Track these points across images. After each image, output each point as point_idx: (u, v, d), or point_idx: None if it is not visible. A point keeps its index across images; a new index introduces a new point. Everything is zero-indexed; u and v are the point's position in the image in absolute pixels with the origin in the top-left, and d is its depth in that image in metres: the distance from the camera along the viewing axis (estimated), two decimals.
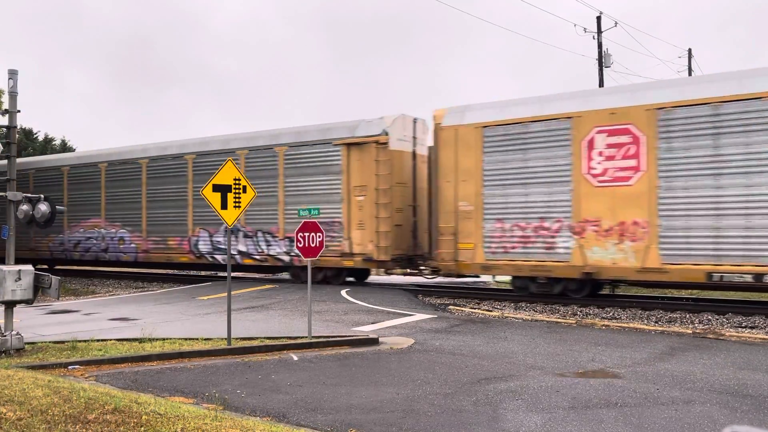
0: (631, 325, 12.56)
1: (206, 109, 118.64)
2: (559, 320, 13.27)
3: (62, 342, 10.40)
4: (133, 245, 23.47)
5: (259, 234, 20.18)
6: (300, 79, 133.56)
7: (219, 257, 21.06)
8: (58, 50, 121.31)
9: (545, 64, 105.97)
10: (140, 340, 10.51)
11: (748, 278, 12.89)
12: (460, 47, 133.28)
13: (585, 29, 30.92)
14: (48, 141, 49.17)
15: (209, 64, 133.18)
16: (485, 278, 19.66)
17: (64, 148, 48.78)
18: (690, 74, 37.62)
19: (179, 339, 10.71)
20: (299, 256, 13.64)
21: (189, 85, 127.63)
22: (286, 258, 19.57)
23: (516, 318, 13.63)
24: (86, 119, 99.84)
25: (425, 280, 19.69)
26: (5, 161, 10.78)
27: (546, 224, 15.11)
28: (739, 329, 12.14)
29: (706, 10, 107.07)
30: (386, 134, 17.84)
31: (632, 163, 14.10)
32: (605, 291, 17.06)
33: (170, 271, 26.88)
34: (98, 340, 10.52)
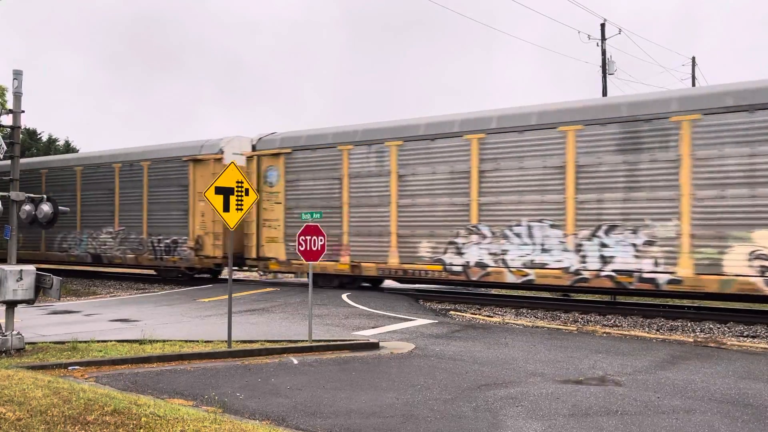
0: (633, 332, 12.53)
1: (209, 96, 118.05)
2: (560, 327, 13.25)
3: (63, 342, 10.41)
4: None
5: None
6: (312, 63, 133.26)
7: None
8: (50, 37, 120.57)
9: (566, 69, 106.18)
10: (140, 342, 10.51)
11: None
12: (467, 47, 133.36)
13: (589, 36, 30.93)
14: (52, 141, 49.18)
15: (213, 47, 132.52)
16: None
17: (68, 148, 48.78)
18: (693, 83, 37.33)
19: (179, 341, 10.70)
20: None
21: (190, 70, 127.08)
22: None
23: (517, 324, 13.61)
24: (84, 110, 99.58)
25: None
26: (7, 161, 10.80)
27: None
28: (741, 338, 12.11)
29: (714, 18, 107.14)
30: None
31: None
32: (606, 298, 17.19)
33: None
34: (98, 341, 10.53)
